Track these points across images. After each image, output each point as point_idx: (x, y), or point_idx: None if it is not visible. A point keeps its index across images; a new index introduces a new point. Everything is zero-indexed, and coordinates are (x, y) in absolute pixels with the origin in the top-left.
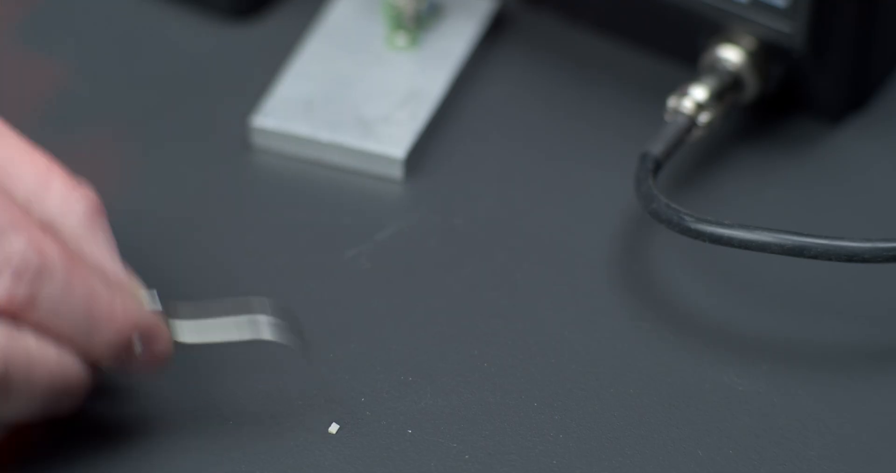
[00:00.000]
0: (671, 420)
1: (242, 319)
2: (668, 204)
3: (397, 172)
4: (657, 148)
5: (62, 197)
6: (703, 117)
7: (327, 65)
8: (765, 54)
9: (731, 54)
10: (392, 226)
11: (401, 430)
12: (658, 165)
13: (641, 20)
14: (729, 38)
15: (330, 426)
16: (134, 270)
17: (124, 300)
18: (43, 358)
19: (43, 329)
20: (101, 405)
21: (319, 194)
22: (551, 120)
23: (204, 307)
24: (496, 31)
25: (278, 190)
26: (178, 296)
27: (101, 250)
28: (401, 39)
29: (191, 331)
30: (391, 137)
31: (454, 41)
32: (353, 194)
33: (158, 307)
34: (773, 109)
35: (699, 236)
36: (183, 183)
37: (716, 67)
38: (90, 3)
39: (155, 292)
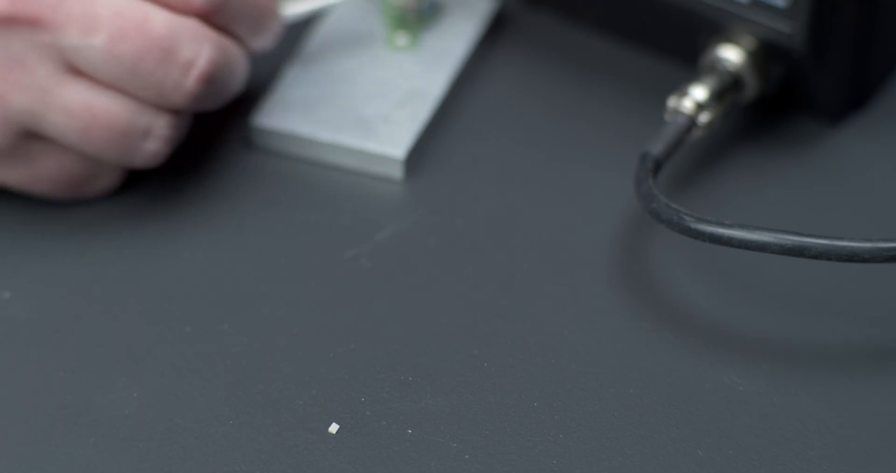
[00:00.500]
0: (671, 420)
1: None
2: (668, 204)
3: (397, 173)
4: (657, 148)
5: None
6: (703, 117)
7: (327, 65)
8: (765, 54)
9: (731, 54)
10: (392, 226)
11: (401, 430)
12: (658, 165)
13: (641, 20)
14: (729, 38)
15: (330, 426)
16: (129, 284)
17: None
18: (238, 52)
19: (230, 27)
20: (102, 404)
21: (319, 194)
22: (551, 120)
23: None
24: (496, 31)
25: (278, 190)
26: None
27: None
28: (401, 39)
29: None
30: (391, 137)
31: (454, 41)
32: (353, 194)
33: None
34: (773, 109)
35: (699, 236)
36: (183, 183)
37: (716, 67)
38: None
39: None
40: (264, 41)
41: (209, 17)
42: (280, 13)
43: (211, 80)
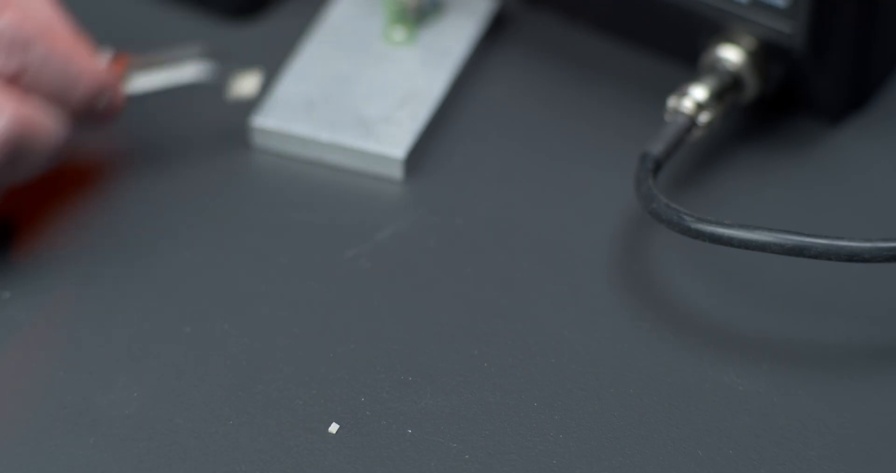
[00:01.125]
0: (671, 420)
1: (181, 66)
2: (668, 204)
3: (397, 173)
4: (657, 148)
5: None
6: (703, 117)
7: (327, 65)
8: (765, 54)
9: (731, 54)
10: (392, 226)
11: (401, 430)
12: (658, 165)
13: (641, 20)
14: (729, 38)
15: (330, 426)
16: (129, 284)
17: (93, 64)
18: (44, 119)
19: (33, 91)
20: (102, 404)
21: (319, 194)
22: (551, 120)
23: (148, 58)
24: (496, 31)
25: (278, 190)
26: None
27: (64, 28)
28: (398, 34)
29: (140, 82)
30: (391, 137)
31: (454, 41)
32: (353, 194)
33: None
34: (773, 109)
35: (699, 236)
36: (183, 183)
37: (716, 67)
38: (90, 2)
39: (110, 51)
40: (91, 117)
41: (10, 81)
42: (115, 89)
43: (6, 150)
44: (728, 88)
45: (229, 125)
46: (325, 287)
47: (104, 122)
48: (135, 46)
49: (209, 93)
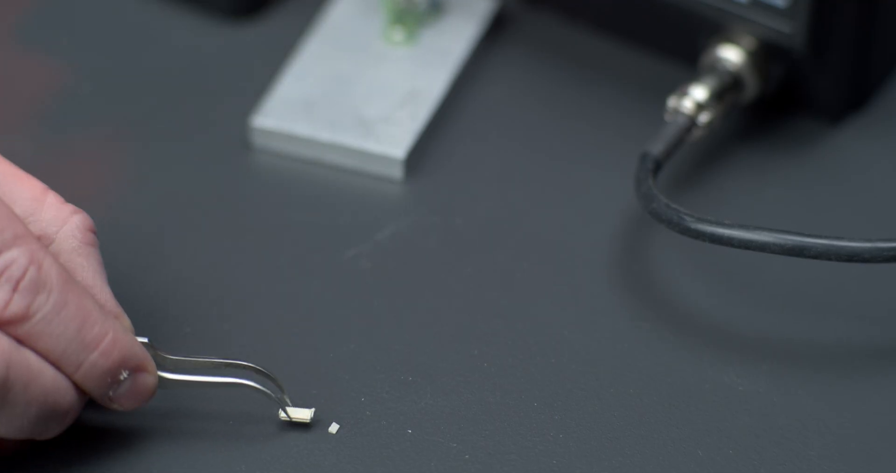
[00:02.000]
0: (671, 420)
1: (225, 380)
2: (668, 204)
3: (397, 173)
4: (657, 148)
5: (57, 213)
6: (703, 117)
7: (327, 65)
8: (765, 54)
9: (731, 54)
10: (392, 226)
11: (401, 430)
12: (658, 165)
13: (641, 20)
14: (729, 38)
15: (330, 426)
16: (129, 284)
17: (116, 329)
18: (41, 372)
19: (36, 345)
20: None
21: (319, 194)
22: (551, 120)
23: (190, 362)
24: (496, 31)
25: (278, 190)
26: (176, 295)
27: (93, 273)
28: (398, 34)
29: (174, 379)
30: (391, 137)
31: (454, 41)
32: (353, 194)
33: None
34: (773, 109)
35: (699, 236)
36: (183, 183)
37: (716, 67)
38: (89, 2)
39: (146, 339)
40: (111, 394)
41: (13, 325)
42: (144, 368)
43: None
44: (728, 88)
45: (229, 125)
46: (325, 287)
47: (124, 404)
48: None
49: (207, 98)
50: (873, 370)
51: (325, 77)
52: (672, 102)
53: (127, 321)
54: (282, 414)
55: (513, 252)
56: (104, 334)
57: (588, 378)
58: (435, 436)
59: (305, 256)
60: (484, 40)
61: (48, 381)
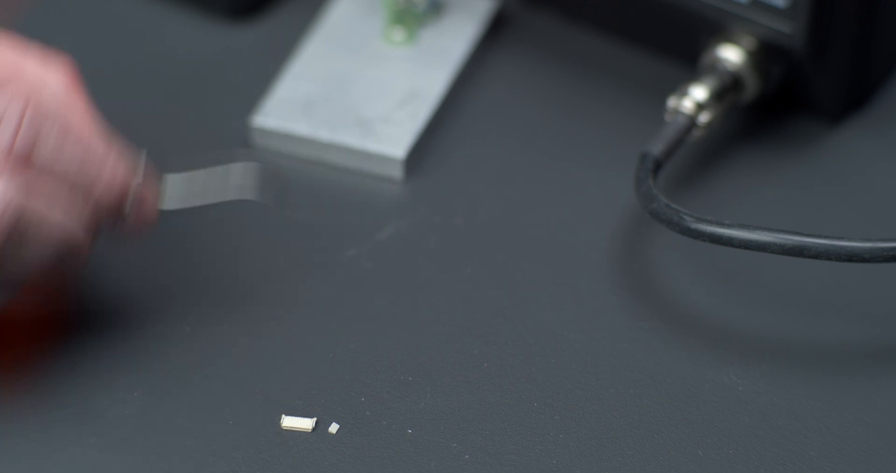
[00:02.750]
0: (671, 420)
1: (225, 183)
2: (668, 204)
3: (397, 173)
4: (657, 148)
5: (39, 68)
6: (703, 117)
7: (327, 65)
8: (765, 54)
9: (731, 54)
10: (392, 226)
11: (401, 430)
12: (658, 165)
13: (641, 20)
14: (729, 38)
15: (330, 426)
16: (129, 284)
17: (117, 160)
18: (54, 210)
19: (45, 184)
20: (102, 404)
21: (319, 194)
22: (551, 120)
23: (188, 176)
24: (496, 31)
25: (278, 190)
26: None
27: (84, 118)
28: (398, 35)
29: (176, 198)
30: (391, 137)
31: (454, 41)
32: (353, 194)
33: (144, 170)
34: (773, 109)
35: (699, 236)
36: None
37: (716, 67)
38: (89, 2)
39: (144, 153)
40: (113, 218)
41: (21, 164)
42: (145, 198)
43: None
44: (728, 88)
45: (229, 125)
46: (325, 287)
47: (131, 232)
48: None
49: (207, 98)
50: (873, 370)
51: (325, 77)
52: (672, 102)
53: (120, 147)
54: (283, 423)
55: (513, 252)
56: (107, 166)
57: (588, 378)
58: (435, 436)
59: (305, 256)
60: (484, 40)
61: (61, 217)
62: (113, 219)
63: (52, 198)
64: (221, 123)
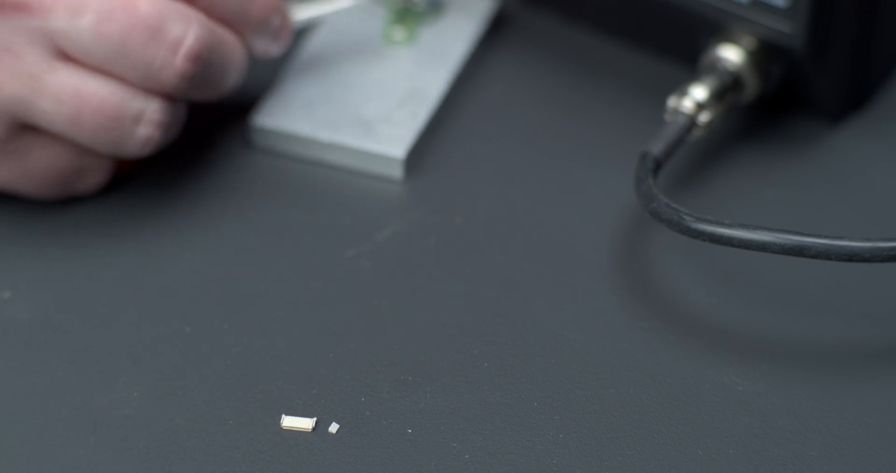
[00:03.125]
0: (671, 420)
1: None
2: (668, 204)
3: (397, 172)
4: (657, 148)
5: None
6: (703, 117)
7: (327, 65)
8: (765, 54)
9: (731, 54)
10: (392, 226)
11: (401, 430)
12: (658, 165)
13: (641, 20)
14: (729, 38)
15: (330, 426)
16: (129, 284)
17: None
18: (229, 36)
19: (212, 11)
20: (102, 404)
21: (319, 194)
22: (551, 120)
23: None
24: (496, 31)
25: (278, 190)
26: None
27: None
28: (398, 34)
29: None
30: (391, 137)
31: (454, 41)
32: (353, 194)
33: None
34: (773, 109)
35: (699, 236)
36: (183, 183)
37: (716, 67)
38: None
39: None
40: (264, 38)
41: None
42: (284, 14)
43: (200, 59)
44: (728, 88)
45: (229, 125)
46: (325, 287)
47: (276, 44)
48: None
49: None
50: (873, 370)
51: (325, 77)
52: (672, 102)
53: None
54: (283, 423)
55: (513, 252)
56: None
57: (588, 378)
58: (435, 436)
59: (305, 256)
60: (484, 40)
61: (235, 42)
62: (262, 35)
63: (222, 28)
64: (221, 123)
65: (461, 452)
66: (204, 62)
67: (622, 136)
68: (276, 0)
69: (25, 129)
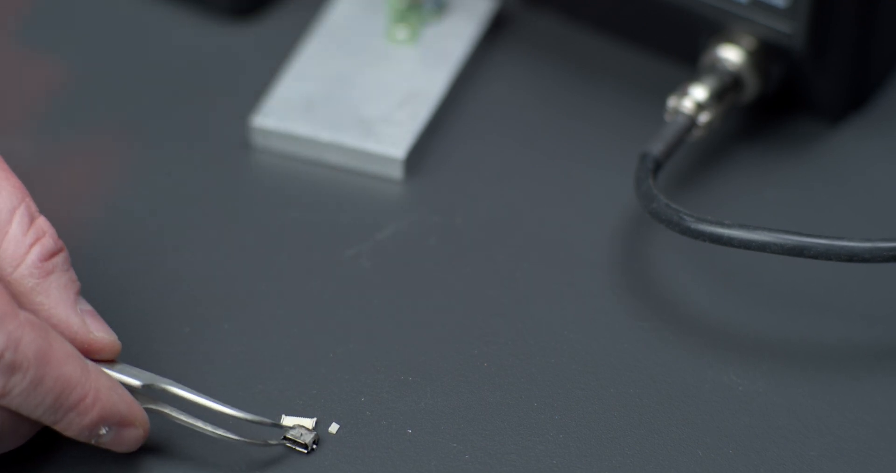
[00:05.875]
0: (671, 420)
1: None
2: (668, 204)
3: (397, 173)
4: (657, 148)
5: (15, 250)
6: (703, 117)
7: (327, 65)
8: (765, 54)
9: (731, 54)
10: (392, 226)
11: (401, 430)
12: (658, 165)
13: (641, 20)
14: (729, 38)
15: (330, 426)
16: (129, 284)
17: (98, 388)
18: (14, 427)
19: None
20: None
21: (319, 194)
22: (551, 120)
23: (193, 405)
24: (496, 31)
25: (278, 190)
26: (178, 294)
27: (55, 305)
28: (401, 33)
29: (177, 419)
30: (391, 137)
31: (454, 41)
32: (353, 194)
33: (137, 383)
34: (773, 109)
35: (699, 236)
36: (183, 183)
37: (716, 67)
38: (90, 2)
39: (139, 383)
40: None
41: None
42: (128, 422)
43: None
44: (728, 88)
45: (229, 125)
46: (325, 287)
47: (111, 449)
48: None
49: (207, 99)
50: (873, 369)
51: (326, 77)
52: (672, 102)
53: (106, 336)
54: (283, 423)
55: (513, 252)
56: (83, 396)
57: (588, 378)
58: (435, 436)
59: (305, 255)
60: (484, 40)
61: (27, 429)
62: (86, 439)
63: (14, 417)
64: (221, 123)
65: (461, 452)
66: None
67: (622, 136)
68: (106, 412)
69: None
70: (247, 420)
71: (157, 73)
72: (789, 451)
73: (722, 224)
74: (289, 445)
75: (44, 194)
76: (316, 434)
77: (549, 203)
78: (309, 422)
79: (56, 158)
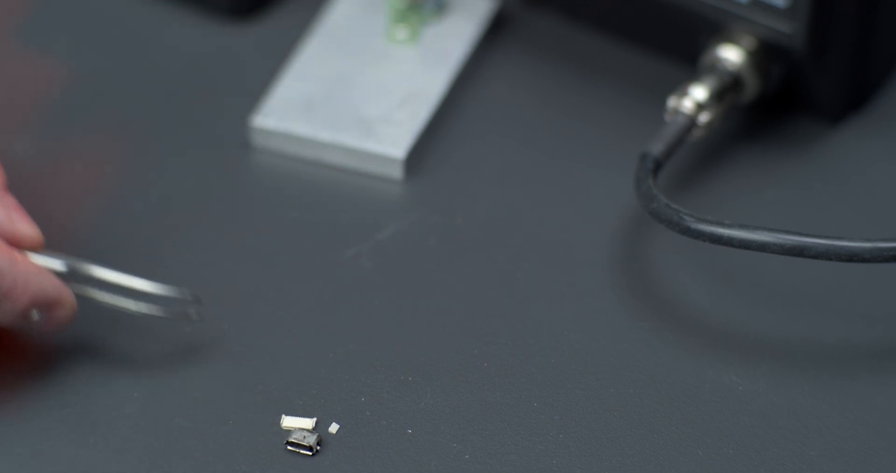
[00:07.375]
0: (671, 420)
1: (142, 302)
2: (668, 204)
3: (397, 173)
4: (657, 148)
5: None
6: (703, 117)
7: (327, 65)
8: (765, 54)
9: (731, 54)
10: (392, 226)
11: (401, 430)
12: (658, 165)
13: (641, 20)
14: (729, 38)
15: (330, 426)
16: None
17: (26, 277)
18: None
19: None
20: (102, 404)
21: (319, 194)
22: (551, 120)
23: (113, 275)
24: (496, 31)
25: (278, 190)
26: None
27: None
28: (401, 33)
29: (100, 299)
30: (391, 137)
31: (454, 41)
32: (353, 194)
33: (61, 267)
34: (773, 109)
35: (699, 236)
36: (183, 183)
37: (716, 67)
38: (90, 2)
39: (61, 263)
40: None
41: None
42: (56, 304)
43: None
44: (728, 88)
45: (229, 125)
46: (325, 287)
47: (45, 332)
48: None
49: (207, 98)
50: (873, 369)
51: (325, 77)
52: (672, 102)
53: (29, 228)
54: (283, 423)
55: (513, 252)
56: (13, 284)
57: (588, 378)
58: (435, 436)
59: (306, 255)
60: (484, 40)
61: None
62: (21, 324)
63: None
64: (221, 123)
65: (461, 452)
66: None
67: (622, 136)
68: (33, 295)
69: None
70: (167, 296)
71: (157, 73)
72: (789, 451)
73: (722, 224)
74: (293, 449)
75: (44, 193)
76: (319, 436)
77: (549, 203)
78: (309, 422)
79: (56, 158)
